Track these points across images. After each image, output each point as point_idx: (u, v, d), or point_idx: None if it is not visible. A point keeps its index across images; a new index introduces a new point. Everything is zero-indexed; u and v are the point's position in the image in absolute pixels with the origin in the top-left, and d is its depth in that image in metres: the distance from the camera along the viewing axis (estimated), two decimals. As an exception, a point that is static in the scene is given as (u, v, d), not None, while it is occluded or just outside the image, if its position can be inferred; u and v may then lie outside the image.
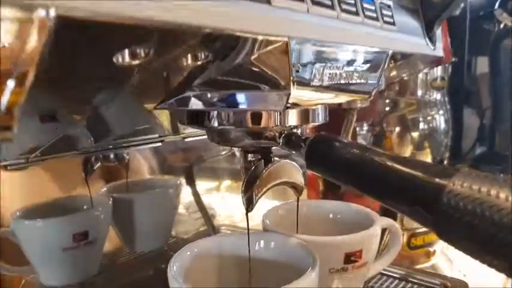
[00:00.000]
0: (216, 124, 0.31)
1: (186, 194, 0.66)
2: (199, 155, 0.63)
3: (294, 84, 0.26)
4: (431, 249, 0.75)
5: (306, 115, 0.32)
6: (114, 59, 0.21)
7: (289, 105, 0.26)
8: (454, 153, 0.91)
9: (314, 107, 0.32)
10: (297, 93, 0.26)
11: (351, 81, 0.31)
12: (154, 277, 0.50)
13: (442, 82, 0.76)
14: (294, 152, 0.32)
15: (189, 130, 0.45)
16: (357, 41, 0.29)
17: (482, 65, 1.09)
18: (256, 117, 0.30)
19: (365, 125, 0.76)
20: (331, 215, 0.42)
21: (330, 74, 0.28)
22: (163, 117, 0.45)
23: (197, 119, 0.32)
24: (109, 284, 0.47)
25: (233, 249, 0.35)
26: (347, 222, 0.40)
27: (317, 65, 0.27)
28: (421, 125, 0.77)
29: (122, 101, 0.50)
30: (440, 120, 0.79)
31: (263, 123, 0.30)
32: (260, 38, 0.22)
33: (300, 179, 0.36)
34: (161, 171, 0.61)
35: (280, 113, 0.30)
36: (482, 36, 0.98)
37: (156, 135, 0.40)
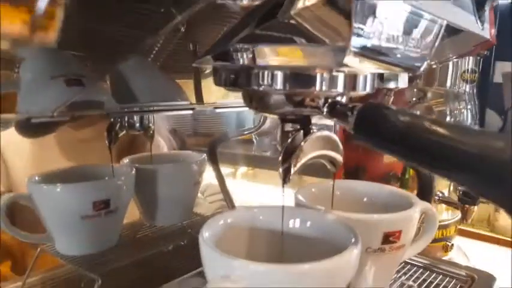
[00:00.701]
0: (255, 85, 0.29)
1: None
2: (223, 133, 0.61)
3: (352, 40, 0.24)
4: (449, 243, 0.73)
5: (353, 82, 0.30)
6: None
7: (345, 62, 0.24)
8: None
9: (363, 74, 0.30)
10: (354, 52, 0.25)
11: (406, 48, 0.29)
12: (173, 252, 0.49)
13: (472, 75, 0.74)
14: (335, 119, 0.30)
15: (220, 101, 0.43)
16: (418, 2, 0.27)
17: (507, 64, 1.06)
18: (301, 79, 0.28)
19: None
20: (366, 196, 0.41)
21: (388, 35, 0.26)
22: (191, 90, 0.43)
23: (235, 79, 0.30)
24: (127, 256, 0.46)
25: (267, 222, 0.33)
26: (383, 203, 0.38)
27: (377, 21, 0.25)
28: (448, 118, 0.75)
29: (149, 69, 0.49)
30: (468, 115, 0.76)
31: (308, 87, 0.29)
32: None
33: (339, 154, 0.34)
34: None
35: (328, 76, 0.28)
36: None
37: (187, 102, 0.38)
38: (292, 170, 0.32)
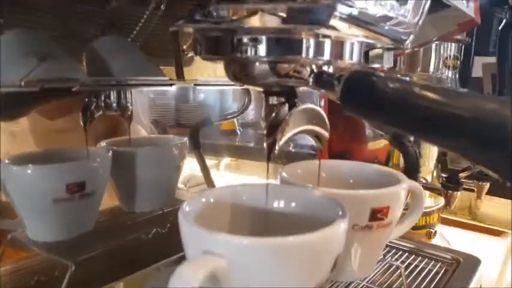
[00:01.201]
0: (238, 52, 0.28)
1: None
2: (206, 118, 0.60)
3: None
4: (432, 230, 0.73)
5: (340, 49, 0.28)
6: None
7: (331, 24, 0.23)
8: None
9: (350, 41, 0.29)
10: (340, 17, 0.23)
11: (393, 16, 0.28)
12: (152, 239, 0.47)
13: (455, 61, 0.74)
14: (322, 90, 0.29)
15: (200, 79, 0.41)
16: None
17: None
18: (287, 45, 0.27)
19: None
20: (352, 175, 0.40)
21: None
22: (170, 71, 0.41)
23: (216, 46, 0.29)
24: (103, 242, 0.44)
25: (251, 200, 0.32)
26: (370, 182, 0.37)
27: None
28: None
29: (128, 49, 0.46)
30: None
31: (294, 53, 0.27)
32: None
33: (325, 128, 0.33)
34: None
35: (314, 42, 0.27)
36: (492, 24, 0.96)
37: (167, 78, 0.36)
38: (278, 145, 0.31)
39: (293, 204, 0.31)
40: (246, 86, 0.48)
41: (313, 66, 0.29)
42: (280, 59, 0.28)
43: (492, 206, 0.88)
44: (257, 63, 0.29)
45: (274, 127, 0.31)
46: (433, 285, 0.43)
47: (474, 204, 0.91)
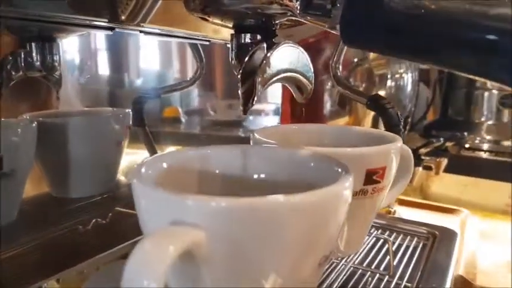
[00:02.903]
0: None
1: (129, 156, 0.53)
2: (150, 88, 0.52)
3: None
4: (392, 209, 0.71)
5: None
6: None
7: None
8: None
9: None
10: None
11: None
12: (92, 233, 0.39)
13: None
14: (313, 18, 0.23)
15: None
16: None
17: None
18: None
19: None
20: (337, 138, 0.34)
21: None
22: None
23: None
24: (28, 235, 0.35)
25: (225, 165, 0.25)
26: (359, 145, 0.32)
27: None
28: (389, 82, 0.73)
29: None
30: (408, 80, 0.75)
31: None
32: None
33: (308, 77, 0.28)
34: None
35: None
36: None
37: (105, 20, 0.29)
38: (256, 93, 0.25)
39: (277, 168, 0.25)
40: (205, 39, 0.41)
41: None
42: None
43: (443, 185, 0.88)
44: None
45: (250, 72, 0.25)
46: (414, 260, 0.40)
47: (425, 184, 0.92)
